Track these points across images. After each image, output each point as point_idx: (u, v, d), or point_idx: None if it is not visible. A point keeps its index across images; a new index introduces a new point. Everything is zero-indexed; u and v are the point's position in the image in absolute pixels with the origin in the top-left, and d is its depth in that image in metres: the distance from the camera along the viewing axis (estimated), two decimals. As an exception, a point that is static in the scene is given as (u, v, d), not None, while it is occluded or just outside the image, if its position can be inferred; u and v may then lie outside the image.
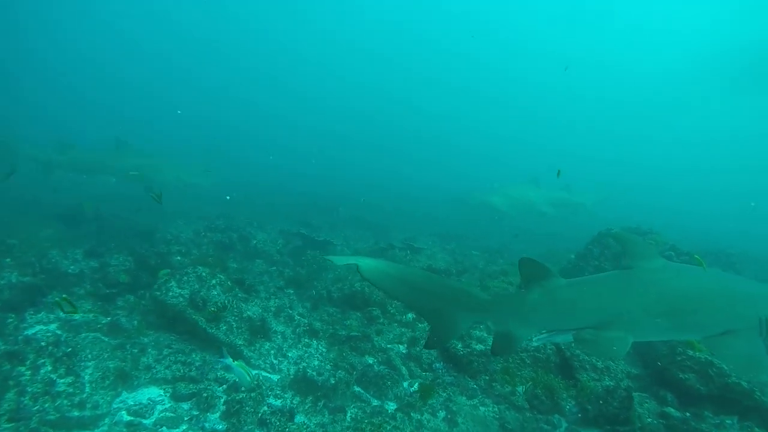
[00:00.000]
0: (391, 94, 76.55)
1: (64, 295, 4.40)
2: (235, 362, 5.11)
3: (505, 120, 74.77)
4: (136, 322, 6.98)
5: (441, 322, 4.21)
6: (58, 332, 6.57)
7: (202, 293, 6.95)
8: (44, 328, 6.66)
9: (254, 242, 11.63)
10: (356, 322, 8.40)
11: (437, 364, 6.91)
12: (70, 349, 5.10)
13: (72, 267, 8.47)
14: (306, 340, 7.06)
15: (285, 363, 6.52)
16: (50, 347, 5.06)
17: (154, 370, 5.70)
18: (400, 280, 4.01)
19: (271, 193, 20.58)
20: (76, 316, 6.92)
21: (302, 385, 5.81)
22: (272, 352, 6.65)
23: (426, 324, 8.61)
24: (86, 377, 4.86)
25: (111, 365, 5.28)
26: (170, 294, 6.98)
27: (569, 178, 22.30)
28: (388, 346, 7.54)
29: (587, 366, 6.72)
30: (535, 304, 4.10)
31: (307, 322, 7.42)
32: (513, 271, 11.47)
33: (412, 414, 5.48)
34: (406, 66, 73.96)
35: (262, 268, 10.72)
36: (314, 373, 5.77)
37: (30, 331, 6.51)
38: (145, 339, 6.54)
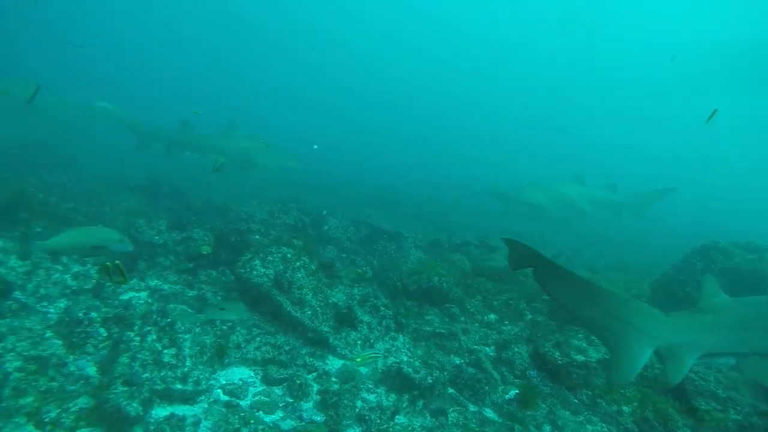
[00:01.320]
0: (435, 90, 75.12)
1: (117, 261, 4.12)
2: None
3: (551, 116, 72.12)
4: (219, 297, 6.84)
5: (622, 345, 3.63)
6: (150, 301, 6.51)
7: (287, 275, 6.70)
8: (136, 295, 6.62)
9: (326, 227, 11.39)
10: (437, 319, 7.96)
11: (531, 372, 6.38)
12: (169, 320, 4.91)
13: (156, 237, 8.44)
14: (392, 333, 6.67)
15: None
16: (155, 316, 4.89)
17: (244, 350, 5.48)
18: (568, 284, 3.52)
19: (334, 185, 20.43)
20: (165, 286, 6.84)
21: (396, 381, 5.43)
22: (359, 342, 6.32)
23: (512, 326, 8.10)
24: (186, 350, 4.67)
25: (207, 341, 5.08)
26: (254, 273, 6.77)
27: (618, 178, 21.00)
28: (475, 347, 7.06)
29: (705, 392, 5.98)
30: (712, 325, 3.51)
31: (392, 314, 7.04)
32: (599, 279, 10.69)
33: (516, 427, 4.98)
34: (440, 63, 72.61)
35: (334, 255, 10.45)
36: (410, 370, 5.37)
37: (125, 297, 6.49)
38: (231, 315, 6.35)
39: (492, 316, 8.49)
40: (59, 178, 13.34)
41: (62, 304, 6.16)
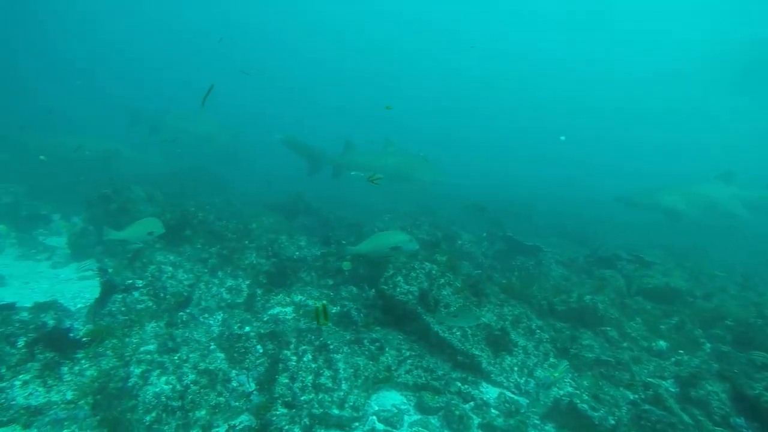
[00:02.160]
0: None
1: (324, 302, 3.96)
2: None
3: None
4: (362, 315, 6.58)
5: None
6: (294, 315, 6.47)
7: (433, 292, 6.23)
8: (283, 310, 6.62)
9: (459, 242, 10.84)
10: (595, 343, 6.94)
11: (737, 420, 5.12)
12: (322, 339, 4.68)
13: (297, 253, 8.57)
14: (552, 359, 5.85)
15: (533, 384, 5.42)
16: (309, 335, 4.71)
17: (395, 373, 5.07)
18: None
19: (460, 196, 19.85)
20: (309, 302, 6.77)
21: (569, 418, 4.63)
22: (515, 368, 5.60)
23: (690, 357, 6.80)
24: (341, 373, 4.38)
25: (359, 362, 4.76)
26: (398, 290, 6.41)
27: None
28: (650, 380, 5.94)
29: None
30: None
31: (548, 336, 6.22)
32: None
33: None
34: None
35: (467, 271, 9.83)
36: (586, 407, 4.54)
37: (273, 311, 6.53)
38: (375, 335, 6.04)
39: (662, 343, 7.24)
40: (214, 199, 14.53)
41: (219, 316, 6.35)
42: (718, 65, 43.76)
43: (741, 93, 45.06)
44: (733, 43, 40.33)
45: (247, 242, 8.94)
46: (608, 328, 7.44)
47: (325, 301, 5.17)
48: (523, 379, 5.48)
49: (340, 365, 4.47)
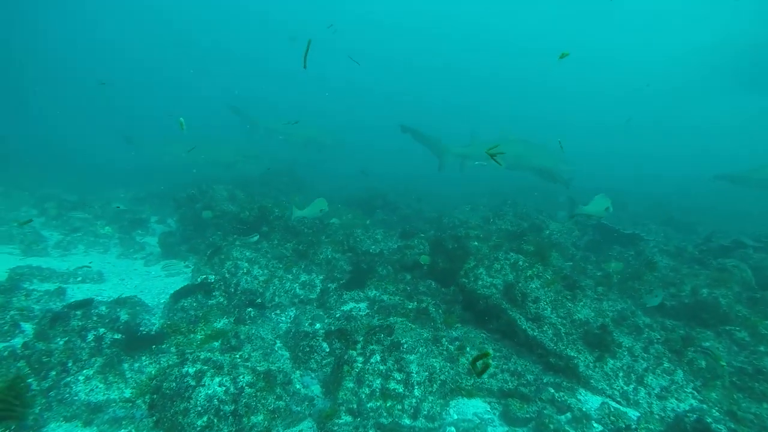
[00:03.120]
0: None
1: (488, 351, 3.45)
2: None
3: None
4: (441, 311, 5.98)
5: None
6: (370, 312, 6.03)
7: (520, 285, 5.47)
8: (356, 305, 6.21)
9: (547, 232, 9.81)
10: (720, 346, 5.77)
11: None
12: (394, 338, 4.16)
13: (373, 247, 8.16)
14: (667, 364, 4.86)
15: (643, 394, 4.50)
16: (379, 333, 4.21)
17: (479, 379, 4.42)
18: None
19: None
20: (384, 297, 6.30)
21: (697, 440, 3.71)
22: (620, 374, 4.71)
23: None
24: (414, 376, 3.83)
25: (436, 364, 4.19)
26: (480, 283, 5.73)
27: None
28: (803, 393, 4.73)
29: None
30: None
31: (660, 337, 5.22)
32: None
33: None
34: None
35: (557, 263, 8.81)
36: (722, 428, 3.59)
37: (346, 307, 6.15)
38: (454, 333, 5.43)
39: (811, 347, 5.83)
40: (296, 197, 14.65)
41: (291, 313, 6.09)
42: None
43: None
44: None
45: (324, 237, 8.69)
46: (736, 328, 6.20)
47: (489, 351, 4.58)
48: (631, 386, 4.57)
49: (413, 367, 3.92)
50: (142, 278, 7.62)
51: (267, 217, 8.93)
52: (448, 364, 4.42)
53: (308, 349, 4.40)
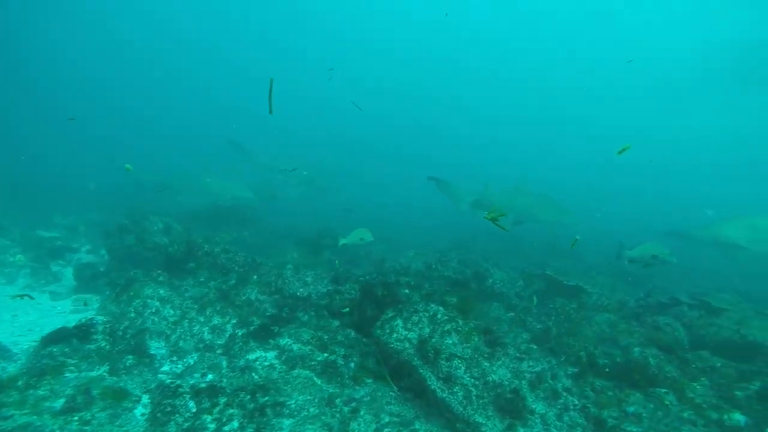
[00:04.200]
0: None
1: None
2: None
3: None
4: (353, 364, 5.45)
5: None
6: (274, 363, 5.43)
7: (433, 340, 5.01)
8: (263, 355, 5.61)
9: (490, 281, 9.45)
10: (644, 411, 5.37)
11: None
12: (272, 399, 3.60)
13: (301, 290, 7.63)
14: (580, 435, 4.41)
15: (551, 470, 4.02)
16: (254, 392, 3.64)
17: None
18: None
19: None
20: (295, 346, 5.73)
21: None
22: (529, 446, 4.22)
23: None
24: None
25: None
26: (394, 336, 5.25)
27: None
28: (723, 471, 4.32)
29: None
30: None
31: (578, 403, 4.79)
32: None
33: None
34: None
35: (497, 314, 8.42)
36: None
37: (252, 356, 5.55)
38: (361, 391, 4.89)
39: (738, 416, 5.48)
40: (242, 233, 14.04)
41: (192, 359, 5.45)
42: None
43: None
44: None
45: (255, 277, 8.13)
46: (663, 390, 5.85)
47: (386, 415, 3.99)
48: None
49: (280, 437, 3.36)
50: (41, 314, 6.87)
51: (194, 252, 8.35)
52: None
53: (169, 410, 3.77)
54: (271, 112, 3.90)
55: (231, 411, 3.47)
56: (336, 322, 6.95)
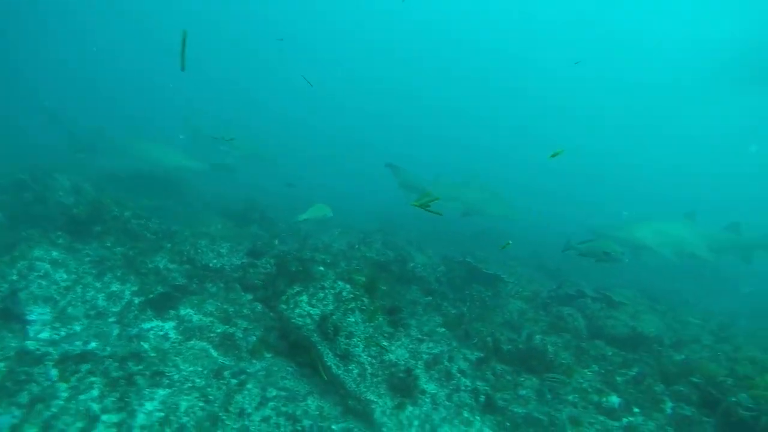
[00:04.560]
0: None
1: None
2: None
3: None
4: (254, 338, 5.32)
5: None
6: (171, 332, 5.20)
7: (335, 317, 4.98)
8: (160, 324, 5.35)
9: (411, 265, 9.57)
10: (534, 395, 5.66)
11: None
12: (144, 368, 3.41)
13: (215, 261, 7.36)
14: (467, 414, 4.56)
15: (433, 447, 4.13)
16: (125, 360, 3.44)
17: (247, 421, 3.78)
18: None
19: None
20: (195, 318, 5.52)
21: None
22: (416, 422, 4.31)
23: (645, 420, 5.52)
24: (140, 419, 3.10)
25: (183, 404, 3.48)
26: (297, 311, 5.17)
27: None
28: (587, 449, 4.64)
29: None
30: None
31: (471, 384, 4.95)
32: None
33: None
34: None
35: (415, 297, 8.57)
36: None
37: (146, 325, 5.27)
38: (257, 365, 4.79)
39: (614, 399, 5.90)
40: (166, 201, 13.35)
41: (79, 327, 5.10)
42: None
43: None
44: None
45: (169, 245, 7.74)
46: (557, 376, 6.17)
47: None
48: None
49: (147, 407, 3.20)
50: None
51: (102, 215, 7.80)
52: (214, 404, 3.73)
53: (24, 378, 3.49)
54: (183, 69, 3.63)
55: (92, 379, 3.26)
56: (249, 296, 6.77)
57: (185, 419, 3.32)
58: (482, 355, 6.67)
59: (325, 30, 59.90)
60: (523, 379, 6.02)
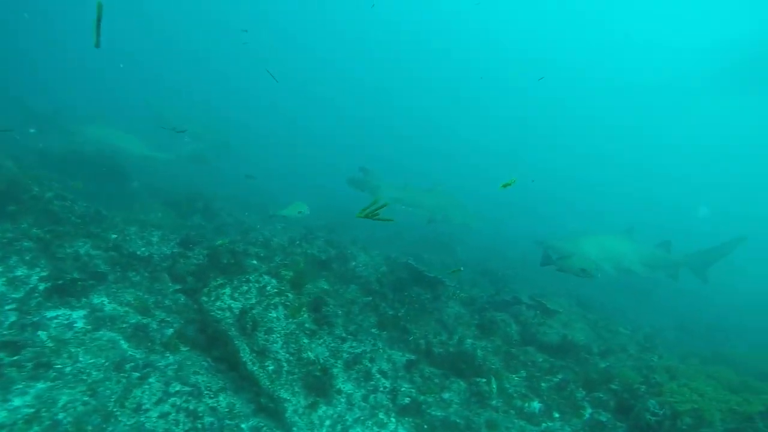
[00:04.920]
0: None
1: None
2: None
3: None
4: (171, 330, 5.06)
5: None
6: (79, 321, 4.87)
7: (255, 312, 4.80)
8: (67, 313, 4.99)
9: (353, 264, 9.47)
10: (457, 398, 5.67)
11: None
12: (21, 358, 3.14)
13: (143, 249, 6.99)
14: (382, 415, 4.48)
15: (344, 450, 4.02)
16: (10, 350, 3.14)
17: (144, 417, 3.55)
18: None
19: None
20: (108, 307, 5.19)
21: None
22: (327, 422, 4.20)
23: (563, 424, 5.65)
24: (17, 400, 2.84)
25: (64, 397, 3.23)
26: (218, 304, 4.96)
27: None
28: (500, 453, 4.67)
29: None
30: None
31: (390, 386, 4.88)
32: (689, 372, 7.80)
33: None
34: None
35: (353, 296, 8.45)
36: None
37: (50, 313, 4.91)
38: (170, 358, 4.54)
39: (536, 404, 6.02)
40: (105, 186, 12.67)
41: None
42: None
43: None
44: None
45: (98, 230, 7.30)
46: (483, 380, 6.21)
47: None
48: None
49: (22, 399, 2.94)
50: None
51: (19, 194, 7.27)
52: (94, 399, 3.48)
53: None
54: (97, 45, 3.36)
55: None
56: (176, 286, 6.47)
57: (61, 415, 3.06)
58: (414, 357, 6.66)
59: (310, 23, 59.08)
60: (450, 382, 6.05)
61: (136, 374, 3.90)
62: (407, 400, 5.05)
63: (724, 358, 9.20)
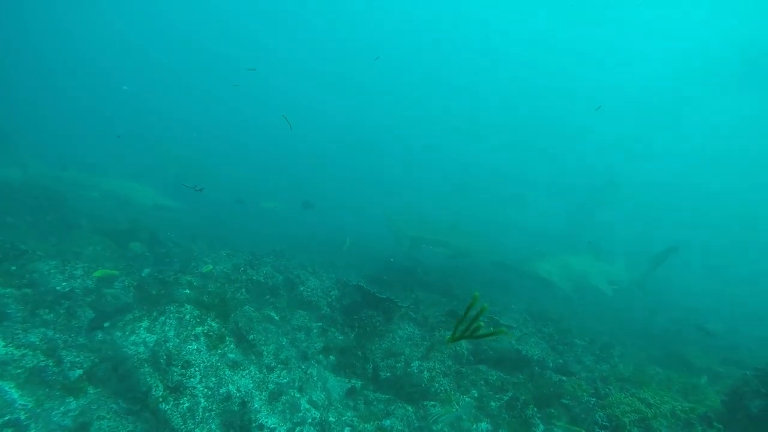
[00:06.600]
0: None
1: None
2: None
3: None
4: (80, 371, 4.53)
5: None
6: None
7: (170, 344, 4.36)
8: (-43, 360, 4.42)
9: (302, 289, 9.03)
10: (400, 424, 5.33)
11: None
12: None
13: (64, 284, 6.42)
14: (306, 453, 4.08)
15: (257, 492, 3.59)
16: None
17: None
18: None
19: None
20: (1, 351, 4.62)
21: None
22: (243, 464, 3.77)
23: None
24: None
25: None
26: (132, 338, 4.49)
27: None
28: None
29: None
30: None
31: (320, 417, 4.48)
32: (640, 380, 7.71)
33: None
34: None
35: (302, 323, 8.00)
36: None
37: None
38: (71, 403, 4.04)
39: (483, 425, 5.72)
40: (42, 216, 11.89)
41: None
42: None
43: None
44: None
45: (12, 267, 6.69)
46: (432, 403, 5.91)
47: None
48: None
49: None
50: None
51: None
52: None
53: None
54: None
55: None
56: (107, 324, 5.92)
57: None
58: (359, 382, 6.30)
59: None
60: (395, 407, 5.71)
61: (9, 430, 3.39)
62: (348, 430, 4.68)
63: (680, 359, 9.21)
